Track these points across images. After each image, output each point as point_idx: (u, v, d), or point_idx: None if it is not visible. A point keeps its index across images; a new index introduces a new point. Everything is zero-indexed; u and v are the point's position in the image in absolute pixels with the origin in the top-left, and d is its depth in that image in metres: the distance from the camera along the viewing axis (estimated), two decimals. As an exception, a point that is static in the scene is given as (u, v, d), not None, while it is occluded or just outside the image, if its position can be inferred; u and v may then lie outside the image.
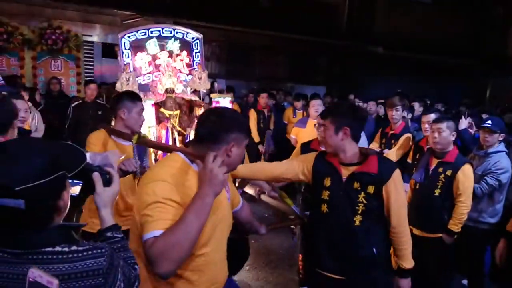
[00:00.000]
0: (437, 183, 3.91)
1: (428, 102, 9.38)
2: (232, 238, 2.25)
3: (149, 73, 5.58)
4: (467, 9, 14.06)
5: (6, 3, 9.09)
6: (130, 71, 5.37)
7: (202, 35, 5.90)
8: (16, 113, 2.89)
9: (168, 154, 2.25)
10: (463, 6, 14.06)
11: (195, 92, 5.73)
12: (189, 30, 5.87)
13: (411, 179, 4.25)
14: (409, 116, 6.38)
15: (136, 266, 1.64)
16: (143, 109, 3.53)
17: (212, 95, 5.99)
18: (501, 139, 4.46)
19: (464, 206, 3.86)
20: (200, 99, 5.71)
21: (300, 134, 6.05)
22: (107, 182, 1.69)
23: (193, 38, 5.85)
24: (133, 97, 3.50)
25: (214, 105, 5.66)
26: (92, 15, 9.58)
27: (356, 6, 12.99)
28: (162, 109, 5.20)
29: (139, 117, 3.47)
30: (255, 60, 12.51)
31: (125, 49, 5.51)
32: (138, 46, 5.59)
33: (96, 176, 1.65)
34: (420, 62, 12.66)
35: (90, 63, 10.59)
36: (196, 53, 5.87)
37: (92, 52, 10.58)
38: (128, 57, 5.51)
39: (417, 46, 12.62)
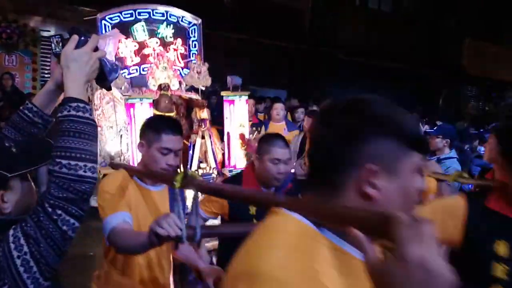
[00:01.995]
0: None
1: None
2: None
3: (136, 64, 4.75)
4: (424, 20, 14.59)
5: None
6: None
7: (201, 20, 5.05)
8: None
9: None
10: (421, 17, 14.61)
11: (192, 89, 4.98)
12: (185, 13, 5.00)
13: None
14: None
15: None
16: (171, 149, 2.21)
17: (223, 93, 4.94)
18: (445, 144, 4.55)
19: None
20: (200, 97, 4.87)
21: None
22: (80, 44, 1.41)
23: (189, 23, 5.01)
24: (161, 127, 2.24)
25: (226, 106, 4.83)
26: (50, 10, 9.25)
27: (320, 12, 13.21)
28: (154, 110, 4.33)
29: (162, 157, 2.20)
30: (217, 62, 12.27)
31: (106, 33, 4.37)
32: (121, 31, 4.82)
33: (74, 37, 1.41)
34: (378, 68, 13.02)
35: (48, 59, 10.24)
36: (193, 41, 5.07)
37: (49, 47, 10.19)
38: (109, 44, 4.73)
39: (376, 53, 13.00)
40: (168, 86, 4.61)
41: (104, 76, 1.49)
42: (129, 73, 4.69)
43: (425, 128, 5.73)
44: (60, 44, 1.45)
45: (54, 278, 1.36)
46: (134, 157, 4.22)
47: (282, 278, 0.79)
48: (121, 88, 4.58)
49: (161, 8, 4.85)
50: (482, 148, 5.94)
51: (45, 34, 9.36)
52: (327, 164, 0.94)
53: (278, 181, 2.55)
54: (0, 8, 8.75)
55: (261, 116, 8.66)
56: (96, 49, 1.44)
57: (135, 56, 4.72)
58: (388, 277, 0.73)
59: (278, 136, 2.68)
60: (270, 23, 11.28)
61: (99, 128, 4.46)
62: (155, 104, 4.37)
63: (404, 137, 0.91)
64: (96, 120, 4.77)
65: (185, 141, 4.46)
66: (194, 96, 4.84)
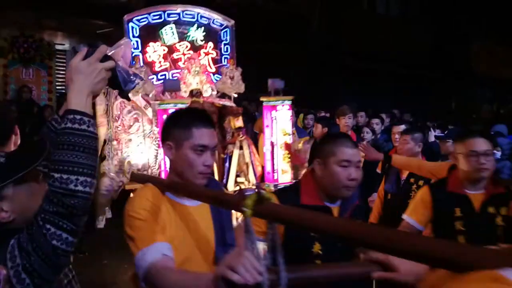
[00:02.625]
0: (410, 193, 3.97)
1: (395, 112, 9.77)
2: None
3: (165, 70, 4.42)
4: (432, 24, 14.60)
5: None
6: (141, 66, 4.10)
7: (233, 21, 4.70)
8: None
9: None
10: (429, 21, 14.63)
11: (225, 96, 4.60)
12: (216, 15, 4.66)
13: (383, 189, 4.33)
14: (379, 126, 6.65)
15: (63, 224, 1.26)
16: (207, 146, 1.80)
17: (263, 98, 4.50)
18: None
19: None
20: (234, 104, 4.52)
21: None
22: (89, 55, 1.39)
23: (221, 25, 4.67)
24: (189, 120, 1.83)
25: (266, 113, 4.40)
26: (65, 24, 9.51)
27: (324, 18, 13.30)
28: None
29: (197, 157, 1.79)
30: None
31: (133, 36, 4.22)
32: (149, 33, 4.31)
33: (82, 49, 1.40)
34: (386, 73, 13.04)
35: (62, 72, 10.50)
36: (225, 44, 4.71)
37: (64, 61, 10.50)
38: (137, 48, 4.23)
39: (384, 58, 12.99)
40: (200, 92, 4.30)
41: (118, 85, 1.47)
42: (158, 79, 4.37)
43: (436, 132, 5.78)
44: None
45: None
46: (163, 170, 4.03)
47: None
48: (148, 96, 4.36)
49: (192, 9, 4.53)
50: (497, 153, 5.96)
51: (60, 47, 9.61)
52: None
53: (349, 189, 2.12)
54: (18, 24, 9.03)
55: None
56: (105, 59, 1.40)
57: (164, 61, 4.39)
58: None
59: (343, 135, 2.38)
60: (277, 30, 11.42)
61: (114, 142, 4.37)
62: (185, 111, 4.07)
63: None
64: (115, 132, 4.42)
65: (220, 153, 4.18)
66: (227, 103, 4.49)
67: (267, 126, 4.42)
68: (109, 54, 1.45)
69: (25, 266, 1.23)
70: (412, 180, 4.04)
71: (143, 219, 1.70)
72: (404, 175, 4.14)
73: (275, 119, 4.38)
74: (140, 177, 2.27)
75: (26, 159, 1.40)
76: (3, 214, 1.35)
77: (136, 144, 4.40)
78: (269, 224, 1.24)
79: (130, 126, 4.39)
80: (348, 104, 6.43)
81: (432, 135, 5.49)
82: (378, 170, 5.13)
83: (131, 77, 1.50)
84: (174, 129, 1.84)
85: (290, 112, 4.53)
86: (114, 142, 4.34)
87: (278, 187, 3.97)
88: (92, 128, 1.33)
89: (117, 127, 4.38)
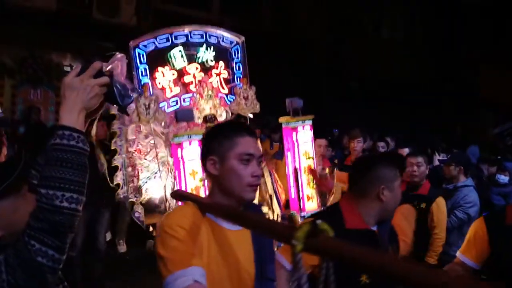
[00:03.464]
0: None
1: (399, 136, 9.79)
2: None
3: (176, 95, 4.21)
4: (438, 48, 14.65)
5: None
6: (151, 95, 3.76)
7: (243, 37, 4.48)
8: None
9: None
10: (435, 46, 14.66)
11: (239, 118, 4.31)
12: (225, 33, 4.51)
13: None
14: (385, 150, 6.65)
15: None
16: (253, 155, 1.71)
17: (282, 119, 4.32)
18: (460, 172, 4.56)
19: (439, 239, 3.98)
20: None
21: (278, 165, 6.15)
22: (82, 71, 1.38)
23: (231, 42, 4.48)
24: (231, 130, 1.74)
25: (287, 136, 4.15)
26: (74, 46, 9.66)
27: (330, 42, 13.43)
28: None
29: (244, 168, 1.68)
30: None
31: (141, 63, 3.95)
32: (157, 58, 4.08)
33: (76, 65, 1.40)
34: (391, 97, 13.07)
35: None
36: (237, 63, 4.52)
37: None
38: (145, 75, 3.98)
39: (389, 82, 13.04)
40: (215, 117, 4.13)
41: (117, 102, 1.45)
42: (169, 106, 4.18)
43: (441, 156, 5.77)
44: None
45: None
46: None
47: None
48: (161, 124, 4.16)
49: (199, 29, 4.37)
50: (502, 177, 5.92)
51: (68, 69, 9.73)
52: None
53: (392, 213, 2.21)
54: (28, 45, 9.17)
55: (276, 145, 8.83)
56: (100, 75, 1.39)
57: (174, 86, 4.21)
58: None
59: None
60: (284, 55, 11.53)
61: (129, 169, 4.15)
62: (201, 139, 3.89)
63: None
64: (129, 158, 4.26)
65: None
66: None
67: (288, 150, 4.23)
68: (106, 69, 1.44)
69: (10, 282, 1.21)
70: (414, 202, 4.00)
71: (181, 239, 1.54)
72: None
73: (296, 141, 4.18)
74: (181, 195, 1.98)
75: (1, 176, 1.38)
76: None
77: (153, 172, 4.17)
78: (323, 262, 1.07)
79: (147, 153, 4.19)
80: (359, 128, 6.47)
81: (436, 159, 5.47)
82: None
83: (128, 91, 1.49)
84: (216, 142, 1.71)
85: (311, 133, 4.29)
86: (129, 169, 4.15)
87: (311, 213, 3.71)
88: (81, 144, 1.31)
89: (132, 153, 4.19)
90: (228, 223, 1.65)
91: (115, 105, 1.50)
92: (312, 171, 4.23)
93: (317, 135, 7.92)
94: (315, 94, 13.04)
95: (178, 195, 2.09)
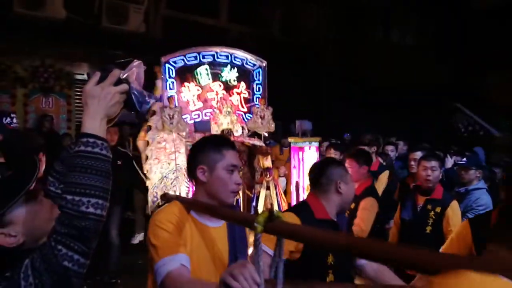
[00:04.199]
0: (428, 220, 3.92)
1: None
2: None
3: (198, 109, 4.55)
4: (448, 52, 14.63)
5: (-1, 41, 9.27)
6: (175, 106, 4.22)
7: (266, 62, 4.84)
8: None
9: None
10: (442, 50, 14.67)
11: (255, 135, 4.64)
12: (249, 56, 4.85)
13: (399, 216, 4.26)
14: (394, 153, 6.65)
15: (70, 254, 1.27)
16: (236, 165, 2.04)
17: (291, 139, 4.79)
18: (478, 175, 4.57)
19: None
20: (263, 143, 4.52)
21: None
22: (102, 80, 1.43)
23: (253, 65, 4.82)
24: (219, 144, 2.05)
25: (294, 154, 4.56)
26: (84, 54, 9.75)
27: (340, 47, 13.47)
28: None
29: (230, 177, 2.00)
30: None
31: (169, 77, 4.37)
32: (185, 74, 4.50)
33: (95, 73, 1.45)
34: (401, 102, 13.05)
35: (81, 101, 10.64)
36: (257, 84, 4.86)
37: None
38: (172, 88, 4.38)
39: (397, 86, 13.05)
40: (231, 131, 4.37)
41: (134, 107, 1.51)
42: (191, 118, 4.51)
43: (453, 159, 5.74)
44: None
45: None
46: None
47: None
48: (183, 134, 4.39)
49: (226, 50, 4.70)
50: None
51: (79, 77, 9.85)
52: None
53: (349, 204, 2.84)
54: (39, 55, 9.28)
55: (286, 151, 8.87)
56: (119, 83, 1.43)
57: (198, 100, 4.52)
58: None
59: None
60: (292, 61, 11.57)
61: (156, 161, 4.33)
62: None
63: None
64: (157, 151, 4.42)
65: (248, 192, 4.24)
66: (257, 142, 4.56)
67: (294, 167, 4.55)
68: (123, 77, 1.48)
69: (37, 286, 1.23)
70: (429, 206, 3.99)
71: (169, 231, 1.85)
72: (421, 202, 4.08)
73: (302, 160, 4.51)
74: (169, 196, 2.50)
75: (20, 181, 1.40)
76: (12, 239, 1.37)
77: (172, 171, 4.39)
78: (278, 240, 1.35)
79: (172, 153, 4.41)
80: (370, 133, 6.49)
81: (449, 162, 5.46)
82: (395, 198, 5.10)
83: (146, 98, 1.54)
84: (205, 154, 2.01)
85: (316, 154, 4.61)
86: (156, 161, 4.36)
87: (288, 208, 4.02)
88: (105, 151, 1.35)
89: (160, 148, 4.41)
90: (208, 220, 1.98)
91: (132, 112, 1.55)
92: None
93: (325, 139, 8.04)
94: (323, 98, 13.09)
95: (167, 197, 2.52)
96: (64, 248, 1.25)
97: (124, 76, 1.50)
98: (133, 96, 1.49)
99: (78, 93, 10.08)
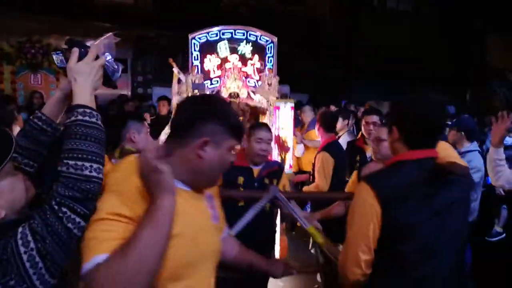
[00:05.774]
0: None
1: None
2: (225, 278, 1.77)
3: (218, 77, 5.38)
4: (448, 20, 14.40)
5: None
6: (198, 74, 5.16)
7: (276, 38, 5.62)
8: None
9: None
10: (445, 17, 14.41)
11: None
12: (263, 32, 5.59)
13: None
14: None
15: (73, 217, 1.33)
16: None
17: (271, 99, 5.47)
18: (462, 136, 4.47)
19: None
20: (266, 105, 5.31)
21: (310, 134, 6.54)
22: (82, 56, 1.53)
23: (267, 41, 5.59)
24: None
25: (274, 111, 5.34)
26: (72, 28, 9.47)
27: (340, 16, 13.32)
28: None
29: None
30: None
31: (195, 50, 5.29)
32: (208, 48, 5.38)
33: (74, 50, 1.53)
34: (399, 69, 12.87)
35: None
36: (269, 57, 5.60)
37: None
38: (196, 59, 5.26)
39: (398, 56, 12.85)
40: (237, 94, 5.15)
41: (108, 78, 1.63)
42: (211, 83, 5.33)
43: (448, 121, 5.68)
44: (63, 58, 1.59)
45: (62, 278, 1.38)
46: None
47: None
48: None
49: (243, 29, 5.49)
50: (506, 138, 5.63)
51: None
52: (182, 129, 1.47)
53: (260, 157, 3.41)
54: (25, 30, 9.01)
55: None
56: (97, 57, 1.56)
57: (217, 69, 5.34)
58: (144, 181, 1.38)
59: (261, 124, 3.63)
60: (290, 31, 11.33)
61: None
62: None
63: (226, 125, 1.49)
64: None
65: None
66: (260, 103, 5.29)
67: (273, 123, 5.29)
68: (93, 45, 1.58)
69: (39, 250, 1.27)
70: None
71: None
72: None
73: (278, 117, 5.30)
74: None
75: None
76: None
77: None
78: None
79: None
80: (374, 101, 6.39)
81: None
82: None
83: (116, 66, 1.66)
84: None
85: (291, 112, 5.32)
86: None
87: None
88: (100, 122, 1.47)
89: None
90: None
91: (106, 81, 1.63)
92: (276, 137, 5.12)
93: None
94: (322, 70, 12.89)
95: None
96: (68, 211, 1.32)
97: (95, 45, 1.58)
98: (106, 66, 1.59)
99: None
